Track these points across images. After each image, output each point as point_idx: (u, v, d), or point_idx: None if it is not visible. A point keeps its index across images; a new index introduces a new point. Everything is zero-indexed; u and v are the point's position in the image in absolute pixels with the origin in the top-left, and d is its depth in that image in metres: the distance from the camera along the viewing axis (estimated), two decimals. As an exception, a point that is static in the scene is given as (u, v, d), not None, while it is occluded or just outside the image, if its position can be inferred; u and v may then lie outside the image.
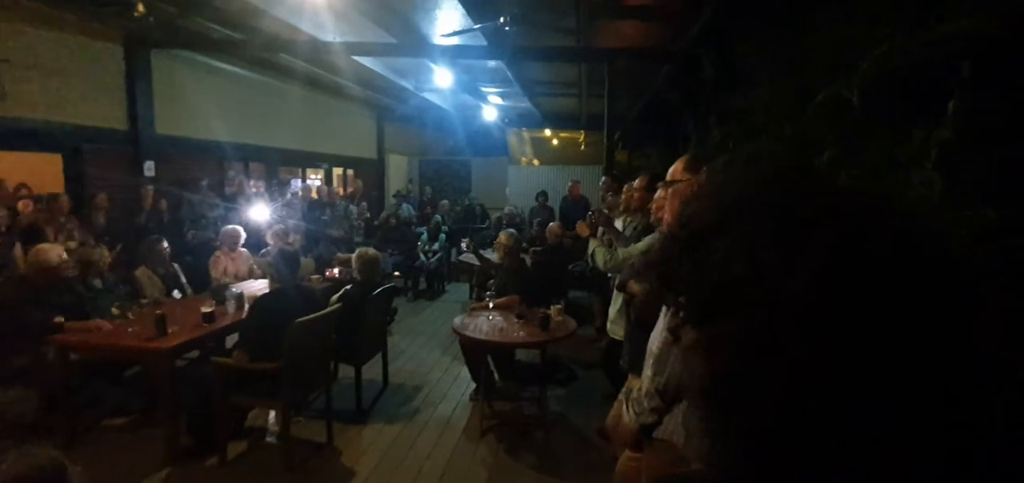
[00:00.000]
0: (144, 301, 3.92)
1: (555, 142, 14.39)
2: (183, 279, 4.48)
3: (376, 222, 8.64)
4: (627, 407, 1.60)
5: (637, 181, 3.52)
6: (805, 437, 0.40)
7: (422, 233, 8.16)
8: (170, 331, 3.18)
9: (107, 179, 5.33)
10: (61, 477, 1.01)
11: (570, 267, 5.84)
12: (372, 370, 4.13)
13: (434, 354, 5.05)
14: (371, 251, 4.16)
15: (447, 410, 3.89)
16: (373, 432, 3.55)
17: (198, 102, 6.45)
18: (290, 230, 5.54)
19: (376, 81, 8.29)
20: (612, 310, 3.35)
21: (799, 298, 0.40)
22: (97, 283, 3.65)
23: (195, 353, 3.76)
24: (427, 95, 9.48)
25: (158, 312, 3.24)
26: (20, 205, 4.72)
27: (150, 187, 5.56)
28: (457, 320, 3.73)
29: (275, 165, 8.32)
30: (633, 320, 2.60)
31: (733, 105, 3.31)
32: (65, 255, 3.47)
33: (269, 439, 3.44)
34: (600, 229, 3.24)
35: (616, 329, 3.25)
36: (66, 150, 5.16)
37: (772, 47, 2.76)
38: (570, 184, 8.55)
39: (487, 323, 3.62)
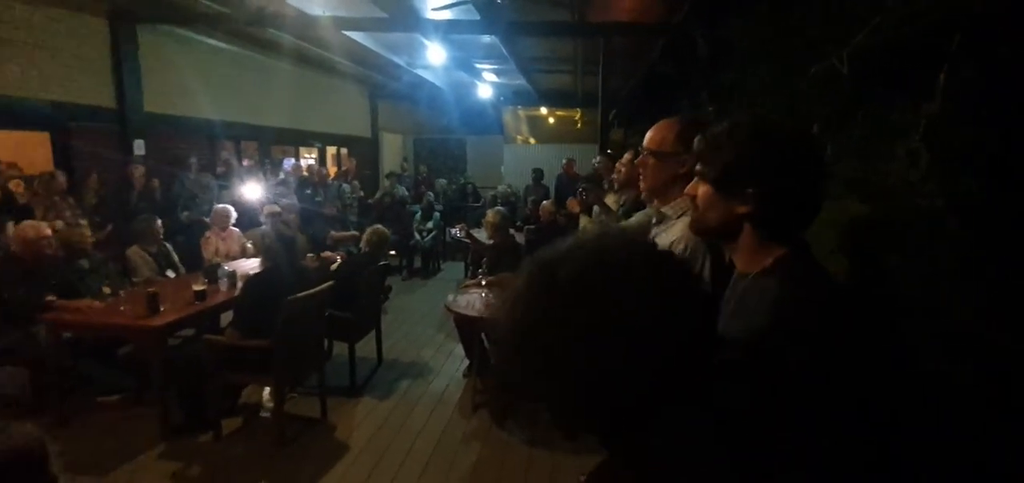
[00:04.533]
0: (136, 280, 3.92)
1: (551, 120, 14.24)
2: (176, 258, 4.46)
3: (370, 201, 8.59)
4: None
5: (625, 157, 3.53)
6: None
7: (416, 212, 8.14)
8: (162, 309, 3.18)
9: (96, 158, 5.26)
10: (37, 457, 0.95)
11: (564, 245, 5.84)
12: (366, 347, 4.15)
13: (428, 332, 5.07)
14: (382, 228, 4.30)
15: (440, 386, 3.92)
16: (367, 408, 3.58)
17: (187, 79, 6.34)
18: (284, 209, 5.50)
19: (368, 57, 8.16)
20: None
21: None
22: (84, 264, 3.61)
23: (190, 332, 3.76)
24: (420, 72, 9.35)
25: (150, 291, 3.23)
26: (12, 185, 4.65)
27: (141, 166, 5.50)
28: (450, 297, 3.74)
29: (268, 144, 8.23)
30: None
31: (726, 81, 3.29)
32: (48, 232, 3.43)
33: (264, 415, 3.47)
34: (595, 208, 3.24)
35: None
36: (55, 128, 5.09)
37: (764, 23, 2.73)
38: (564, 162, 8.53)
39: (480, 300, 3.62)
